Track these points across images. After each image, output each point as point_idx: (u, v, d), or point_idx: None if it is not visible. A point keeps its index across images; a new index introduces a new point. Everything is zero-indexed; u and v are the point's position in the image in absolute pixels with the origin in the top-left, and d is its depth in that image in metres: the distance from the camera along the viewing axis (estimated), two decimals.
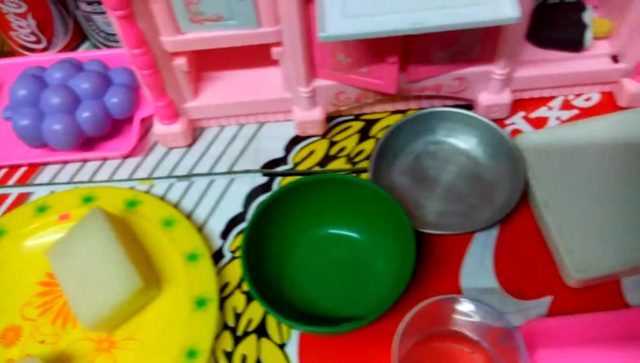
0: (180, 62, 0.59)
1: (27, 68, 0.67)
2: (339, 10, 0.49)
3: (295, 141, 0.67)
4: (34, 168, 0.68)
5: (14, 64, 0.73)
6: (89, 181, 0.66)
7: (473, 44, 0.58)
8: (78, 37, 0.77)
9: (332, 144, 0.66)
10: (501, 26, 0.56)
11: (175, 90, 0.62)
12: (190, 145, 0.68)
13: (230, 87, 0.66)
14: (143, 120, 0.67)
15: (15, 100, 0.64)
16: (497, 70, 0.60)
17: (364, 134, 0.67)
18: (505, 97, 0.62)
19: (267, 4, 0.53)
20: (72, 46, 0.77)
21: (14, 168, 0.68)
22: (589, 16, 0.61)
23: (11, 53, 0.77)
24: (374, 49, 0.56)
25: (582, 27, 0.60)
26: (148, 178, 0.66)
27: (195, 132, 0.68)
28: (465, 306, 0.48)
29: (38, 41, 0.74)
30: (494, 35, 0.57)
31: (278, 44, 0.58)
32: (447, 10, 0.48)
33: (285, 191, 0.56)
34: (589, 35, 0.60)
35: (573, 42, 0.61)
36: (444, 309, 0.48)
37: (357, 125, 0.68)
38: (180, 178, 0.66)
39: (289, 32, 0.55)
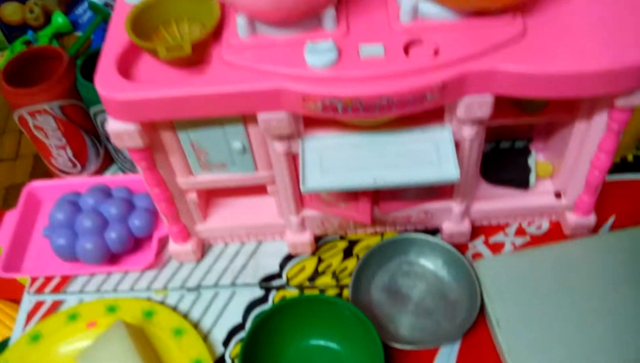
0: (192, 196, 0.72)
1: (65, 194, 0.80)
2: (317, 166, 0.61)
3: (289, 257, 0.78)
4: (66, 278, 0.79)
5: (52, 186, 0.86)
6: (113, 291, 0.78)
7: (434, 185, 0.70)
8: (108, 162, 0.90)
9: (320, 261, 0.78)
10: None
11: (187, 217, 0.74)
12: (199, 260, 0.79)
13: (234, 212, 0.78)
14: (160, 238, 0.79)
15: (54, 222, 0.77)
16: (455, 206, 0.71)
17: (347, 253, 0.78)
18: (465, 226, 0.73)
19: (262, 156, 0.66)
20: (102, 169, 0.90)
21: (49, 278, 0.79)
22: (533, 160, 0.73)
23: (50, 174, 0.90)
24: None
25: (527, 170, 0.72)
26: (163, 289, 0.77)
27: (204, 248, 0.80)
28: None
29: (74, 166, 0.87)
30: None
31: (272, 182, 0.70)
32: (401, 169, 0.60)
33: (275, 309, 0.67)
34: (532, 178, 0.72)
35: (520, 182, 0.72)
36: None
37: (342, 244, 0.79)
38: (190, 289, 0.77)
39: (280, 177, 0.67)
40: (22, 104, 0.77)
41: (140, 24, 0.60)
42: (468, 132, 0.61)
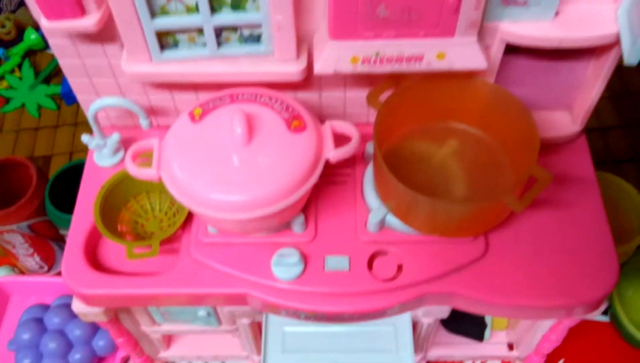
0: (156, 336, 0.73)
1: (31, 307, 0.81)
2: (279, 344, 0.63)
3: None
4: None
5: (20, 282, 0.87)
6: None
7: None
8: None
9: None
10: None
11: (150, 348, 0.76)
12: None
13: (198, 340, 0.79)
14: (123, 357, 0.81)
15: (19, 341, 0.78)
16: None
17: None
18: None
19: (226, 317, 0.67)
20: None
21: None
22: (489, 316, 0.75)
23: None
24: None
25: (483, 326, 0.75)
26: None
27: None
28: None
29: (41, 268, 0.87)
30: None
31: (236, 330, 0.71)
32: (360, 354, 0.62)
33: None
34: (487, 333, 0.75)
35: (475, 336, 0.75)
36: None
37: None
38: None
39: (244, 334, 0.69)
40: None
41: (111, 198, 0.60)
42: (427, 320, 0.63)
